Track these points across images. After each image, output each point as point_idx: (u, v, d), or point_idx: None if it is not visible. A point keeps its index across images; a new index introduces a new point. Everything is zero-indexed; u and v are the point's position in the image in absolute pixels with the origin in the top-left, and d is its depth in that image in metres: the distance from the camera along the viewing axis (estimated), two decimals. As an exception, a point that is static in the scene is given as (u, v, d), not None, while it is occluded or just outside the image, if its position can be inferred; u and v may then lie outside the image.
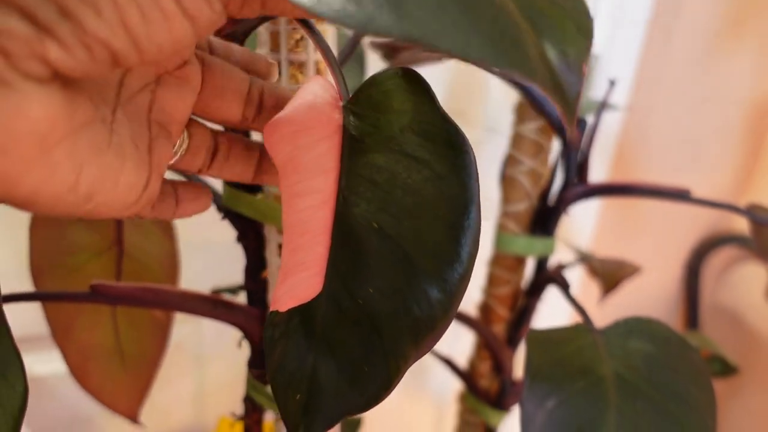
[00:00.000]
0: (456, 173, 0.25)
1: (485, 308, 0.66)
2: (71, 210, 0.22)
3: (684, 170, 1.14)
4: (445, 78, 0.87)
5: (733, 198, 1.23)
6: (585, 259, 0.75)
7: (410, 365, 0.24)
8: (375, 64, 0.60)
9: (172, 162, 0.29)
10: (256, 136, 0.38)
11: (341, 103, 0.29)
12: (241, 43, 0.34)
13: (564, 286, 0.58)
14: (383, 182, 0.26)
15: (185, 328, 0.81)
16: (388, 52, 0.63)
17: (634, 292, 1.04)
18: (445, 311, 0.24)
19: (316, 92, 0.29)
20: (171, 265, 0.55)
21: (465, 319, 0.63)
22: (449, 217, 0.25)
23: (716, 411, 0.41)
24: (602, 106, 0.60)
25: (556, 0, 0.23)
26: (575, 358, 0.43)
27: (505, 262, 0.64)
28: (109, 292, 0.40)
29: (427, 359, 0.75)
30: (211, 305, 0.42)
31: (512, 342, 0.65)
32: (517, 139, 0.62)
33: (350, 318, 0.24)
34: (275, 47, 0.37)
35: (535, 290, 0.63)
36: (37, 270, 0.48)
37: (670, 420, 0.40)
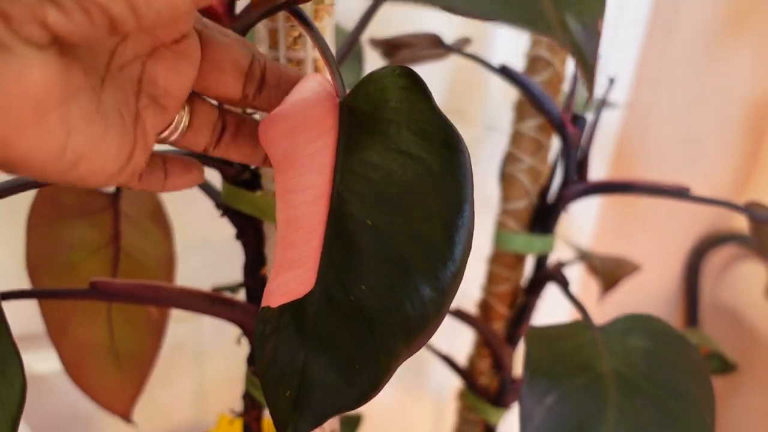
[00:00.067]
0: (451, 172, 0.25)
1: (485, 306, 0.66)
2: (58, 176, 0.22)
3: (683, 169, 1.14)
4: (445, 76, 0.87)
5: (732, 196, 1.23)
6: (585, 257, 0.75)
7: (401, 362, 0.24)
8: (374, 62, 0.60)
9: (173, 138, 0.29)
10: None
11: (338, 100, 0.29)
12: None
13: (563, 284, 0.58)
14: (378, 179, 0.26)
15: (185, 326, 0.81)
16: (388, 49, 0.63)
17: (634, 290, 1.04)
18: (438, 309, 0.24)
19: (313, 89, 0.29)
20: (167, 263, 0.55)
21: (464, 317, 0.63)
22: (443, 216, 0.25)
23: (715, 408, 0.41)
24: (602, 104, 0.60)
25: None
26: (574, 355, 0.44)
27: (504, 260, 0.64)
28: (109, 289, 0.40)
29: (427, 357, 0.75)
30: (210, 302, 0.42)
31: (512, 339, 0.65)
32: (516, 137, 0.62)
33: (343, 314, 0.24)
34: (273, 44, 0.37)
35: (535, 288, 0.63)
36: (33, 268, 0.48)
37: (669, 417, 0.40)
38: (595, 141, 0.60)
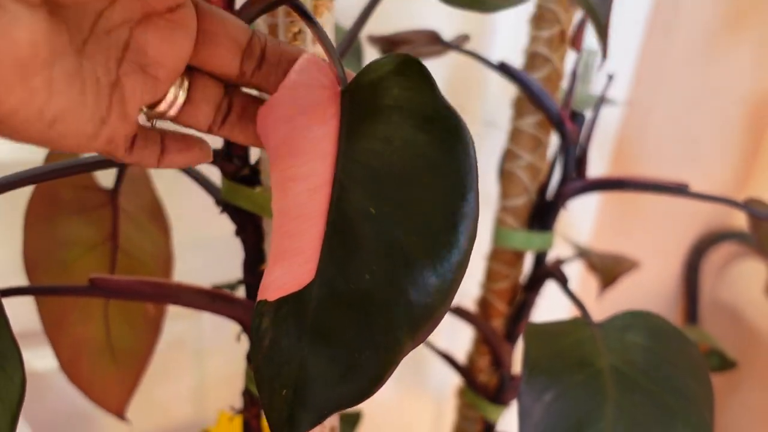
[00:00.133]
0: (455, 159, 0.25)
1: (484, 303, 0.66)
2: (37, 135, 0.22)
3: (683, 166, 1.14)
4: (444, 73, 0.87)
5: (732, 195, 1.23)
6: (584, 254, 0.75)
7: (406, 354, 0.24)
8: (373, 59, 0.60)
9: (171, 113, 0.28)
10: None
11: (340, 88, 0.28)
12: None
13: (562, 281, 0.58)
14: (381, 168, 0.25)
15: (184, 323, 0.81)
16: (386, 46, 0.63)
17: (634, 288, 1.04)
18: (443, 298, 0.24)
19: (314, 76, 0.28)
20: (165, 260, 0.54)
21: (464, 314, 0.63)
22: (448, 204, 0.24)
23: (714, 404, 0.41)
24: (601, 101, 0.60)
25: None
26: (573, 352, 0.43)
27: (503, 257, 0.64)
28: (108, 286, 0.40)
29: (426, 354, 0.75)
30: (210, 298, 0.42)
31: (511, 337, 0.65)
32: (515, 134, 0.62)
33: (345, 305, 0.24)
34: (273, 40, 0.37)
35: (534, 285, 0.63)
36: (31, 265, 0.48)
37: (668, 413, 0.40)
38: (595, 138, 0.60)
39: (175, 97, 0.28)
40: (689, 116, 1.09)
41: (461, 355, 0.70)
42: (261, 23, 0.37)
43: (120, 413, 0.52)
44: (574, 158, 0.58)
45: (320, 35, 0.29)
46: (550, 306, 0.79)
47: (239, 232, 0.43)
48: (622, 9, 0.91)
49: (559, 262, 0.62)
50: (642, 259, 0.74)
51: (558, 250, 0.69)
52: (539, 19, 0.58)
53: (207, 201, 0.44)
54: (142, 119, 0.28)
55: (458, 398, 0.71)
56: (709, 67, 1.06)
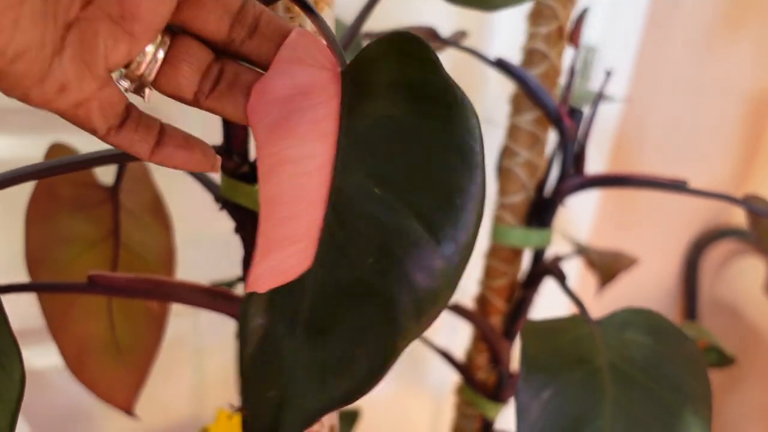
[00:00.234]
0: (459, 137, 0.24)
1: (482, 300, 0.66)
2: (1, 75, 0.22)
3: (682, 162, 1.14)
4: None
5: (731, 191, 1.23)
6: (582, 251, 0.76)
7: (411, 341, 0.23)
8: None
9: (145, 71, 0.26)
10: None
11: (339, 69, 0.27)
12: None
13: (561, 278, 0.58)
14: (384, 148, 0.24)
15: (184, 321, 0.81)
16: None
17: (633, 285, 1.04)
18: (449, 281, 0.23)
19: (310, 53, 0.27)
20: (167, 256, 0.54)
21: (462, 312, 0.63)
22: (454, 183, 0.23)
23: (712, 401, 0.41)
24: (599, 97, 0.60)
25: None
26: (571, 349, 0.43)
27: (501, 254, 0.64)
28: (107, 283, 0.40)
29: (425, 352, 0.75)
30: (210, 296, 0.42)
31: (509, 334, 0.65)
32: (513, 131, 0.62)
33: (345, 293, 0.23)
34: (272, 37, 0.37)
35: (532, 282, 0.63)
36: (32, 262, 0.48)
37: (666, 410, 0.40)
38: (593, 135, 0.60)
39: (153, 56, 0.26)
40: (688, 113, 1.09)
41: (460, 352, 0.70)
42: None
43: (129, 409, 0.52)
44: (573, 155, 0.58)
45: (321, 26, 0.29)
46: (549, 303, 0.79)
47: (239, 229, 0.43)
48: (621, 4, 0.91)
49: (557, 259, 0.62)
50: (641, 256, 0.74)
51: (556, 247, 0.69)
52: (537, 16, 0.58)
53: (206, 198, 0.44)
54: (124, 85, 0.26)
55: (457, 396, 0.71)
56: (709, 63, 1.06)
